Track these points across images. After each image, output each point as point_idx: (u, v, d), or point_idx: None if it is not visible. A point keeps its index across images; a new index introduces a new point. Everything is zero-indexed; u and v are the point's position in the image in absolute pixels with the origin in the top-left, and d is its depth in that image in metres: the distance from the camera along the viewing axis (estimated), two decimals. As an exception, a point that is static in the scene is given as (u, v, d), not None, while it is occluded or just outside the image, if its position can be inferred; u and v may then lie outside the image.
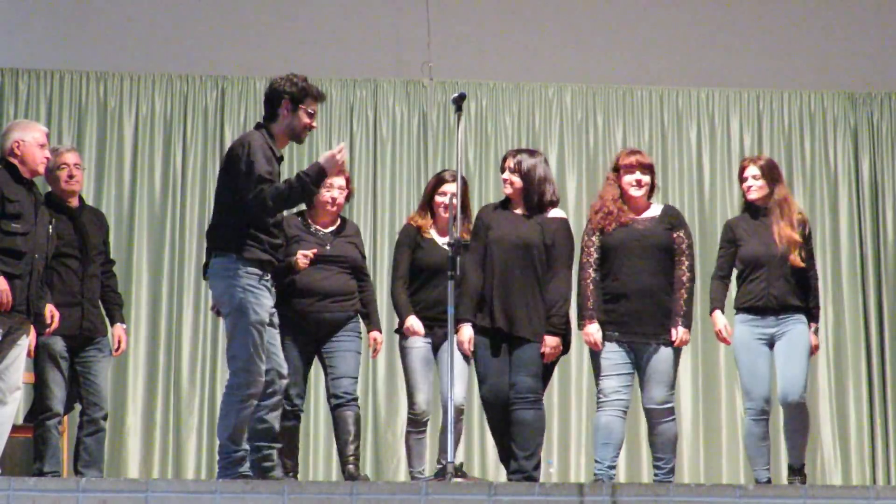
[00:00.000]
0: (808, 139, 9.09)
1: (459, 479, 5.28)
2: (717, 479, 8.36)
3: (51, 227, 5.78)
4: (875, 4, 9.20)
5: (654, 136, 9.02)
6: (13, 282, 5.49)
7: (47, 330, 5.83)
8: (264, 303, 5.21)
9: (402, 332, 6.29)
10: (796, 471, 6.20)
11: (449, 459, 5.26)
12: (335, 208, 6.32)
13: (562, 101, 8.92)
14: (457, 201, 5.53)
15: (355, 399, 6.20)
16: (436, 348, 6.26)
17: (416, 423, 6.24)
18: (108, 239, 6.50)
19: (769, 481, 6.20)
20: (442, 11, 8.72)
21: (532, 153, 6.02)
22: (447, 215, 6.06)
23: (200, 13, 8.82)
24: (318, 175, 5.24)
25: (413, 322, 6.21)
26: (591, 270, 6.00)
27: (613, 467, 5.92)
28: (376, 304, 6.53)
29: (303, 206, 6.21)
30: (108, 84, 8.67)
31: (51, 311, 5.81)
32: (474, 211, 6.41)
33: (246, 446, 5.21)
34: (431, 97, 8.88)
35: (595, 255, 6.02)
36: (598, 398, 5.97)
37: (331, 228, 6.34)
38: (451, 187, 6.07)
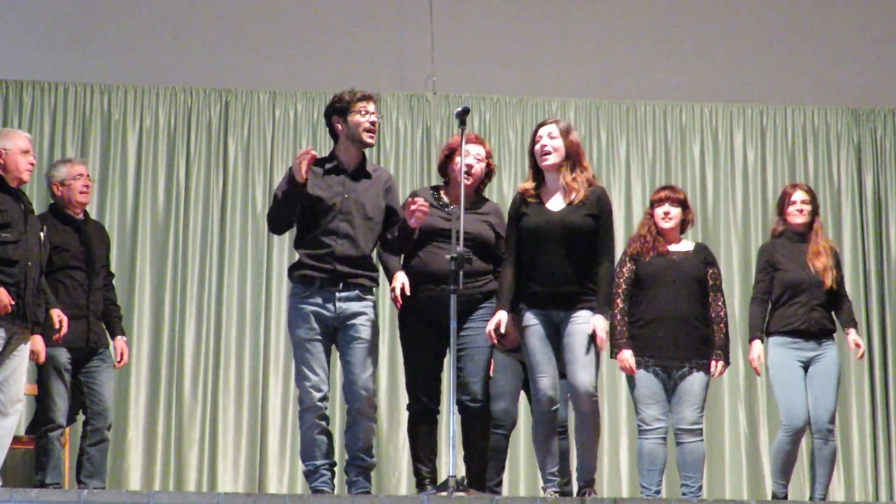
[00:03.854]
0: (811, 155, 9.10)
1: (462, 493, 5.26)
2: (719, 495, 8.34)
3: (42, 234, 5.76)
4: (879, 21, 9.21)
5: (658, 152, 9.03)
6: (8, 290, 5.48)
7: (56, 335, 5.80)
8: (300, 320, 5.50)
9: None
10: (820, 501, 6.34)
11: (451, 473, 5.25)
12: (470, 180, 5.76)
13: (565, 115, 8.91)
14: (461, 214, 5.50)
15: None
16: (556, 326, 5.46)
17: (542, 413, 5.47)
18: (109, 252, 6.51)
19: (786, 497, 6.32)
20: (446, 26, 8.73)
21: None
22: (547, 161, 5.47)
23: (204, 27, 8.84)
24: (286, 180, 5.49)
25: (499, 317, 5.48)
26: (619, 301, 6.11)
27: (659, 491, 6.10)
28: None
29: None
30: (112, 96, 8.69)
31: (58, 316, 5.79)
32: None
33: (321, 461, 5.46)
34: (435, 111, 8.89)
35: (624, 287, 6.15)
36: (640, 426, 6.12)
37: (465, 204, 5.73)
38: (545, 129, 5.52)
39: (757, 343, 6.42)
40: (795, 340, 6.36)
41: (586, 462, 5.47)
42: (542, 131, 5.52)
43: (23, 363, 5.64)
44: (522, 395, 6.09)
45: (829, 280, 6.40)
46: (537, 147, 5.52)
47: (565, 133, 5.51)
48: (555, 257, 5.39)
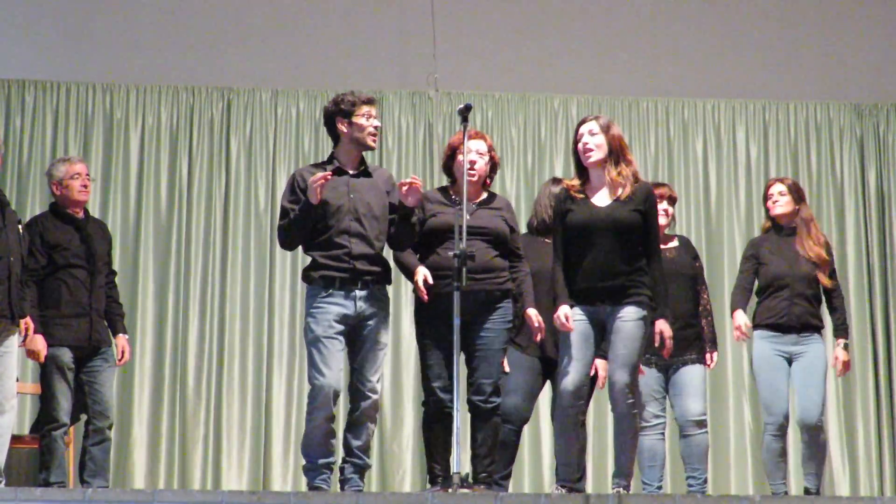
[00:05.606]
0: (814, 150, 9.09)
1: (465, 490, 5.26)
2: (725, 490, 8.33)
3: (20, 227, 5.75)
4: (881, 16, 9.20)
5: (660, 148, 9.02)
6: None
7: (22, 342, 5.76)
8: (321, 319, 5.48)
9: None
10: (813, 494, 6.29)
11: (454, 469, 5.25)
12: (475, 176, 5.77)
13: (567, 112, 8.92)
14: (464, 212, 5.50)
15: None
16: (601, 322, 5.46)
17: (561, 407, 5.47)
18: (111, 250, 6.50)
19: (786, 494, 6.29)
20: (447, 23, 8.73)
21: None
22: (591, 158, 5.47)
23: (206, 25, 8.84)
24: (303, 206, 5.51)
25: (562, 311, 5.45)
26: None
27: (661, 487, 6.13)
28: (531, 286, 5.80)
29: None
30: (114, 95, 8.69)
31: (25, 324, 5.75)
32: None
33: (323, 459, 5.49)
34: (437, 108, 8.88)
35: None
36: (640, 423, 6.02)
37: (476, 201, 5.79)
38: (586, 126, 5.51)
39: (739, 312, 6.33)
40: (776, 334, 6.31)
41: (623, 465, 5.44)
42: (583, 129, 5.52)
43: (13, 359, 5.62)
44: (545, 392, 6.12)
45: (821, 273, 6.36)
46: (580, 146, 5.51)
47: (606, 129, 5.50)
48: (602, 252, 5.38)
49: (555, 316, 5.41)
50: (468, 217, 5.59)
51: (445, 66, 8.68)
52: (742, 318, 6.34)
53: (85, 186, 6.26)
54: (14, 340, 5.64)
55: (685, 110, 9.09)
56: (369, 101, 5.65)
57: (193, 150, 8.70)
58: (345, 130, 5.63)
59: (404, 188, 5.49)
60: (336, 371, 5.47)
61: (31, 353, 5.82)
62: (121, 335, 6.37)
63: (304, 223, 5.53)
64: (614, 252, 5.37)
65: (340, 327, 5.49)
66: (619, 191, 5.43)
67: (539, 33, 9.01)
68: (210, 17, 8.86)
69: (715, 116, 9.10)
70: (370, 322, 5.54)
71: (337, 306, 5.49)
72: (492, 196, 5.91)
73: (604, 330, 5.42)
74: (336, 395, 5.48)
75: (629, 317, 5.36)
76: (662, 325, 5.43)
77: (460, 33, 8.87)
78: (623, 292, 5.37)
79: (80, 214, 6.29)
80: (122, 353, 6.33)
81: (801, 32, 9.16)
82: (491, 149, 5.90)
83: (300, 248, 5.72)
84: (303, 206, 5.49)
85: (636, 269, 5.41)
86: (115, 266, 6.66)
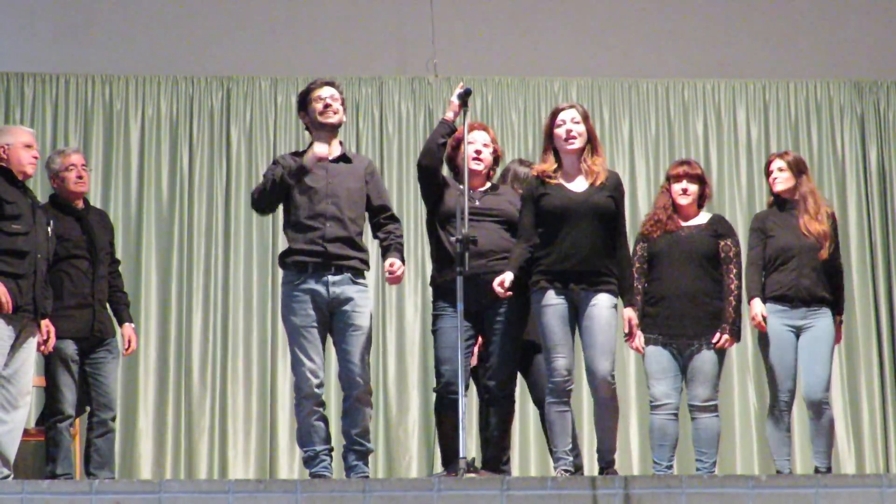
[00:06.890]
0: (814, 129, 9.08)
1: (472, 475, 5.28)
2: (730, 471, 8.34)
3: (49, 227, 5.80)
4: (880, -7, 9.19)
5: (661, 129, 9.01)
6: (18, 282, 5.52)
7: (42, 348, 5.81)
8: (297, 308, 5.56)
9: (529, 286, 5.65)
10: (823, 473, 6.25)
11: (461, 454, 5.26)
12: (481, 165, 5.85)
13: (568, 95, 8.90)
14: (465, 198, 5.50)
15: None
16: (575, 305, 5.54)
17: (556, 393, 5.51)
18: (113, 240, 6.51)
19: (790, 472, 6.28)
20: (446, 7, 8.71)
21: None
22: (573, 145, 5.58)
23: (204, 15, 8.82)
24: (296, 168, 5.64)
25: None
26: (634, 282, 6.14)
27: (671, 466, 6.11)
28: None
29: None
30: (113, 87, 8.69)
31: (46, 326, 5.79)
32: None
33: (321, 447, 5.57)
34: (437, 94, 8.88)
35: (638, 265, 6.15)
36: (651, 402, 6.13)
37: (481, 189, 5.88)
38: (567, 114, 5.61)
39: (756, 301, 6.30)
40: (784, 308, 6.27)
41: (606, 445, 5.59)
42: (565, 116, 5.63)
43: (31, 355, 5.68)
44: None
45: (827, 246, 6.33)
46: (560, 131, 5.63)
47: (585, 118, 5.66)
48: (580, 235, 5.52)
49: (495, 283, 5.49)
50: (476, 203, 5.70)
51: (445, 51, 8.67)
52: (758, 308, 6.30)
53: (80, 177, 6.27)
54: (34, 339, 5.68)
55: (685, 91, 9.08)
56: (322, 84, 5.78)
57: (194, 140, 8.70)
58: (307, 120, 5.82)
59: (389, 274, 5.67)
60: (318, 359, 5.55)
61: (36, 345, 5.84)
62: (126, 324, 6.38)
63: (283, 186, 5.64)
64: (590, 236, 5.53)
65: (316, 314, 5.56)
66: (595, 178, 5.58)
67: (538, 16, 8.99)
68: (208, 7, 8.84)
69: (715, 97, 9.09)
70: (346, 307, 5.58)
71: (310, 293, 5.56)
72: (495, 186, 5.98)
73: (577, 312, 5.53)
74: (321, 382, 5.55)
75: (603, 304, 5.50)
76: (630, 313, 5.68)
77: (459, 18, 8.85)
78: (596, 277, 5.51)
79: (80, 205, 6.30)
80: (129, 342, 6.34)
81: (799, 11, 9.14)
82: (494, 141, 5.97)
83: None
84: (296, 170, 5.62)
85: (609, 255, 5.58)
86: (118, 257, 6.66)
